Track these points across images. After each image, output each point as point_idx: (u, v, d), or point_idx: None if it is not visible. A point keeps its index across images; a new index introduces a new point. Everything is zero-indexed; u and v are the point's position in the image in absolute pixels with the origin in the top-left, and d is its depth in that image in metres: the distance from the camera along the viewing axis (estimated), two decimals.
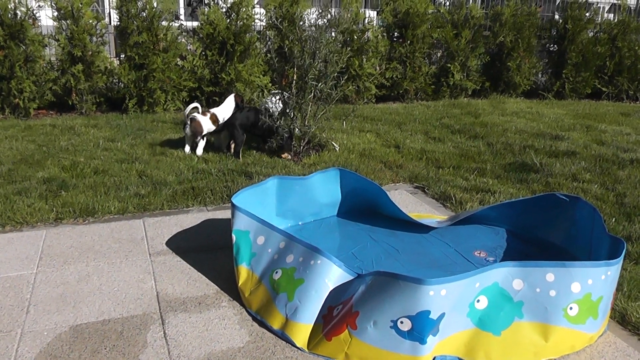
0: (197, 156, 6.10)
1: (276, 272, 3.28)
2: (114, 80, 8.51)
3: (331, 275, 3.12)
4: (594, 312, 2.97)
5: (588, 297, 2.92)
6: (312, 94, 6.17)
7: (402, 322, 2.74)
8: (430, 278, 2.69)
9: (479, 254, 3.88)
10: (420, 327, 2.72)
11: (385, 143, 7.00)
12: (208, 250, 4.02)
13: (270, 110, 6.37)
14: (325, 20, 6.18)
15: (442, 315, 2.73)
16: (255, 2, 8.85)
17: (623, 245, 3.14)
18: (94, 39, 8.09)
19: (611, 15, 11.24)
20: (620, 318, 3.33)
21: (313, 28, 6.05)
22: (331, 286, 3.10)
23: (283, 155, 6.12)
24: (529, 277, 2.89)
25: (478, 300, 2.85)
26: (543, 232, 4.08)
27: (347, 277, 3.12)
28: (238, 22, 8.58)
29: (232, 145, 6.19)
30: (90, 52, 7.98)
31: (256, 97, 8.60)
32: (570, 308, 2.90)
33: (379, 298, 2.81)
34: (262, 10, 9.02)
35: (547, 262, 2.91)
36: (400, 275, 2.75)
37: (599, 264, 2.95)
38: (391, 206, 4.31)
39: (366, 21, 9.45)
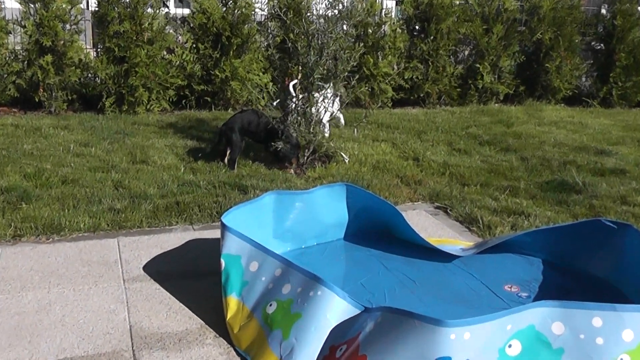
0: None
1: (270, 305, 3.23)
2: (90, 75, 8.53)
3: (334, 309, 3.07)
4: None
5: None
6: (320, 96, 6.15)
7: None
8: (451, 318, 2.63)
9: (510, 288, 3.82)
10: None
11: (402, 155, 6.96)
12: (192, 277, 3.97)
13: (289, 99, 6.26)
14: (335, 11, 6.16)
15: None
16: None
17: None
18: (67, 26, 8.11)
19: None
20: None
21: (321, 20, 6.04)
22: (334, 322, 3.05)
23: (289, 170, 6.06)
24: (571, 320, 2.83)
25: (510, 345, 2.79)
26: (586, 263, 4.02)
27: (353, 311, 3.07)
28: (235, 11, 8.61)
29: (228, 152, 6.13)
30: (62, 42, 7.99)
31: (254, 98, 8.59)
32: (621, 359, 2.82)
33: (391, 340, 2.75)
34: None
35: (593, 303, 2.85)
36: (416, 314, 2.70)
37: None
38: (407, 229, 4.26)
39: (383, 13, 9.46)
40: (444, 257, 4.18)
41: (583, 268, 4.01)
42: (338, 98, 6.49)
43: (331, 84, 6.19)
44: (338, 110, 6.56)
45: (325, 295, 3.08)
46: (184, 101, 8.76)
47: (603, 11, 10.96)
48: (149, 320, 3.45)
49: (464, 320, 2.65)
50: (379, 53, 9.34)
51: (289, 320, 3.10)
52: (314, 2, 8.33)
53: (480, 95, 10.13)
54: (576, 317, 2.83)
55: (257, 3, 8.85)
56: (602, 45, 10.84)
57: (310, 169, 6.14)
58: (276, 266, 3.35)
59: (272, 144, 6.03)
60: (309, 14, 6.20)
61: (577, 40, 10.50)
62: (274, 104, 6.62)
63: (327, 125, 6.70)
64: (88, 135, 7.05)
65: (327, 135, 6.71)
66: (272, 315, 3.18)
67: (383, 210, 4.31)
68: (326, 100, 6.32)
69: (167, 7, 8.99)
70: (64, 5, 7.97)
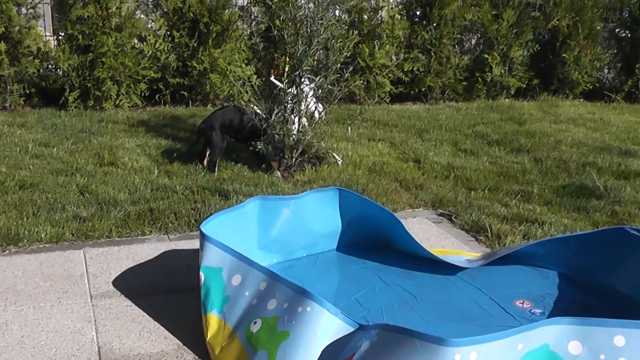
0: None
1: (254, 323, 3.25)
2: (50, 66, 8.50)
3: (325, 326, 3.08)
4: None
5: None
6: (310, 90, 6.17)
7: None
8: (456, 337, 2.66)
9: (522, 304, 3.86)
10: None
11: (401, 156, 7.00)
12: (168, 293, 3.99)
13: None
14: None
15: None
16: None
17: None
18: (23, 10, 8.08)
19: None
20: None
21: (311, 5, 6.06)
22: (325, 341, 3.06)
23: (276, 174, 6.06)
24: (590, 338, 2.85)
25: None
26: (607, 277, 4.06)
27: (347, 329, 3.09)
28: None
29: (207, 153, 6.13)
30: (17, 28, 7.96)
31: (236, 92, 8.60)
32: None
33: None
34: None
35: (614, 320, 2.88)
36: (417, 333, 2.73)
37: None
38: (407, 239, 4.29)
39: None
40: (447, 269, 4.20)
41: (604, 282, 4.05)
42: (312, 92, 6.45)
43: (304, 79, 6.18)
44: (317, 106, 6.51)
45: (315, 311, 3.09)
46: (157, 96, 8.76)
47: None
48: (119, 341, 3.46)
49: (470, 339, 2.67)
50: (375, 42, 9.36)
51: (276, 339, 3.11)
52: None
53: (488, 90, 10.16)
54: (596, 336, 2.85)
55: None
56: (627, 32, 10.86)
57: (298, 172, 6.16)
58: (261, 279, 3.36)
59: (252, 143, 6.06)
60: None
61: (598, 27, 10.51)
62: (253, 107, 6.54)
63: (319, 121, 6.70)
64: (48, 134, 7.05)
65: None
66: (257, 334, 3.19)
67: (380, 218, 4.33)
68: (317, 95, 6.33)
69: None
70: None
